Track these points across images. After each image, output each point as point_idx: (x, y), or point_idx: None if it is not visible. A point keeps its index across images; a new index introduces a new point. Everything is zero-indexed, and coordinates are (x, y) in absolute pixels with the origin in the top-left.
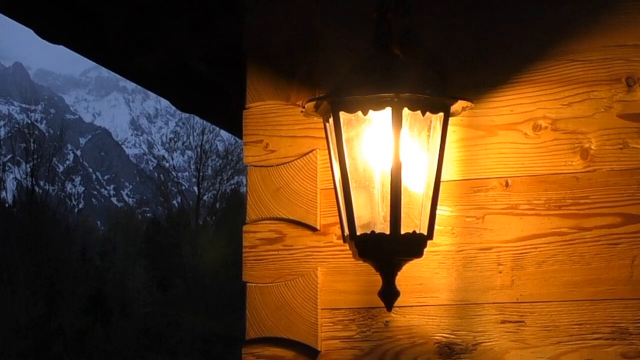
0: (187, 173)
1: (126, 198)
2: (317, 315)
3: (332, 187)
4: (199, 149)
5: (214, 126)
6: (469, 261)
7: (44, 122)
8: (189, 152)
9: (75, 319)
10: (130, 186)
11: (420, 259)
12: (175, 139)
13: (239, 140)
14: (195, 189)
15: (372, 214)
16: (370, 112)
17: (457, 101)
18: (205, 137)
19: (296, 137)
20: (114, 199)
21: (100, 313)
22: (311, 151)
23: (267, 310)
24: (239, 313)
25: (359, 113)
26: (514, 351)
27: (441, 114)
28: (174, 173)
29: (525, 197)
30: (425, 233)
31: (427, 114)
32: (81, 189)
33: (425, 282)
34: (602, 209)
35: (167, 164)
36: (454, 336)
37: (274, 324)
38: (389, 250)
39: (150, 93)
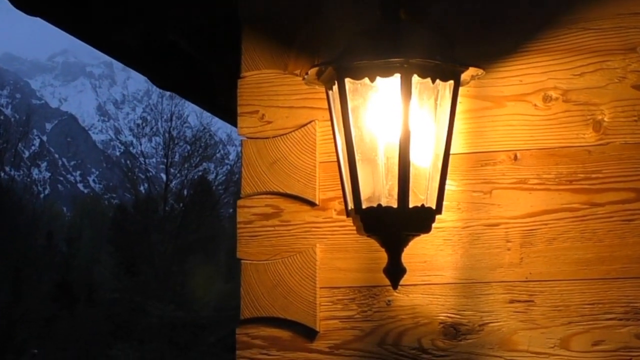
0: (154, 159)
1: (92, 184)
2: (316, 294)
3: (332, 160)
4: (167, 135)
5: (182, 112)
6: (475, 238)
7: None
8: (156, 139)
9: (41, 305)
10: (97, 172)
11: (424, 235)
12: (142, 125)
13: (207, 127)
14: (163, 175)
15: (377, 187)
16: (378, 78)
17: (467, 69)
18: (172, 123)
19: (294, 107)
20: (80, 185)
21: (67, 300)
22: (309, 122)
23: (262, 289)
24: (206, 300)
25: (366, 80)
26: (523, 332)
27: (451, 82)
28: (141, 159)
29: (535, 171)
30: (433, 207)
31: (437, 81)
32: (47, 174)
33: (429, 259)
34: (616, 184)
35: (134, 150)
36: (459, 316)
37: (270, 303)
38: (396, 225)
39: (117, 79)
